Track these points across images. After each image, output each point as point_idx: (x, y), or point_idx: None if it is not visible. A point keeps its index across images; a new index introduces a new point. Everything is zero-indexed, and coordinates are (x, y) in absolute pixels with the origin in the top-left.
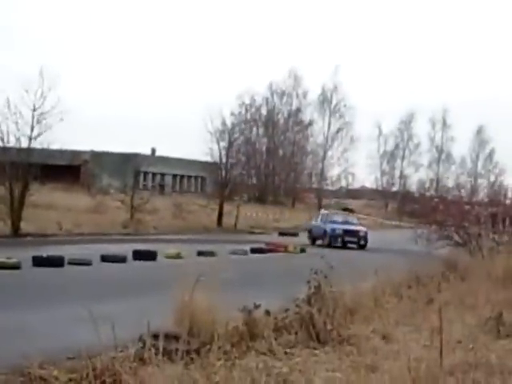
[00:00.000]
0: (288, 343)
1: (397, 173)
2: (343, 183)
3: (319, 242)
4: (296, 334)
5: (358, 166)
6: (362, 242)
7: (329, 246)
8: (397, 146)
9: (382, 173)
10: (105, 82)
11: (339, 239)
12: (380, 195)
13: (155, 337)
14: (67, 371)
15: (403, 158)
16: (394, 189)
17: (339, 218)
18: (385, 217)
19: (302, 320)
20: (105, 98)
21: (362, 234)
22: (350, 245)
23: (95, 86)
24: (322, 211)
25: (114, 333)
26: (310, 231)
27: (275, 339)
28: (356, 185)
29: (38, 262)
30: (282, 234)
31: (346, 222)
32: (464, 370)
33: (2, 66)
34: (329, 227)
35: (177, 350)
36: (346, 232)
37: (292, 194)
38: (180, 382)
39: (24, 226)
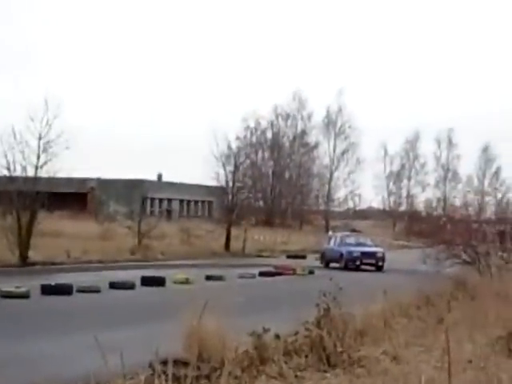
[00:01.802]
0: (298, 366)
1: (403, 193)
2: (350, 204)
3: (334, 264)
4: (306, 357)
5: (364, 186)
6: (380, 263)
7: (345, 268)
8: (403, 166)
9: (389, 193)
10: (109, 109)
11: (357, 262)
12: (387, 215)
13: (165, 363)
14: None
15: (409, 177)
16: (402, 209)
17: (354, 240)
18: (393, 237)
19: (311, 343)
20: (109, 125)
21: (379, 255)
22: (365, 267)
23: (100, 113)
24: (330, 233)
25: (123, 360)
26: (323, 254)
27: (285, 363)
28: (363, 205)
29: (47, 290)
30: (290, 256)
31: (362, 244)
32: None
33: (7, 96)
34: (345, 250)
35: (186, 376)
36: (364, 254)
37: (299, 217)
38: None
39: (32, 255)
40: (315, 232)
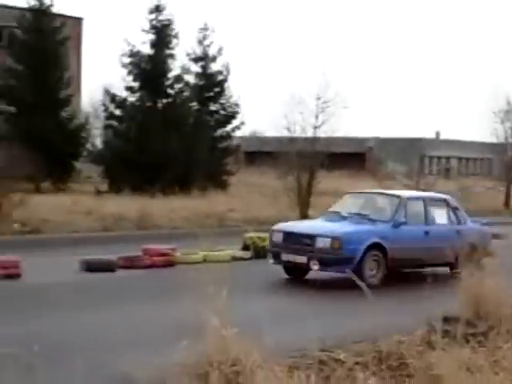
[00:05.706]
0: None
1: None
2: None
3: None
4: None
5: None
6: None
7: None
8: None
9: None
10: (386, 67)
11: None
12: None
13: (443, 321)
14: (354, 354)
15: None
16: None
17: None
18: None
19: None
20: (389, 84)
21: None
22: None
23: (378, 72)
24: None
25: (398, 317)
26: None
27: None
28: None
29: None
30: None
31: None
32: None
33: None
34: None
35: (465, 333)
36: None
37: None
38: (467, 367)
39: (311, 213)
40: None
